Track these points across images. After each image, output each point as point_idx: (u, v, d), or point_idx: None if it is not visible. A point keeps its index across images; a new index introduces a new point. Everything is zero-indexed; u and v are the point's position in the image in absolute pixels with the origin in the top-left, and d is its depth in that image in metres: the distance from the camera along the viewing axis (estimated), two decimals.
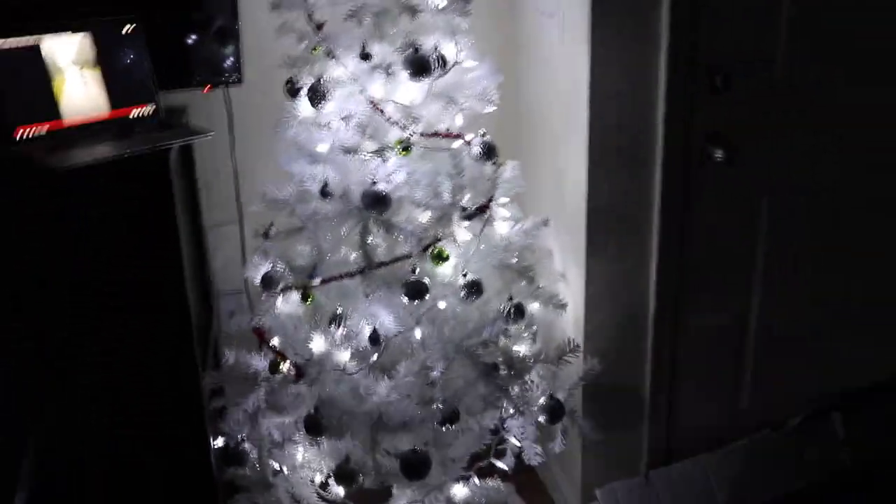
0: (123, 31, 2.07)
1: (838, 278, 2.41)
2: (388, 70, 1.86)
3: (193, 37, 2.23)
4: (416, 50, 1.86)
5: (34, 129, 1.96)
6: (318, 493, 2.08)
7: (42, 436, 1.76)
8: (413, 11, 1.87)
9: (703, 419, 2.44)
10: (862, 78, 2.25)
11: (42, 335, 1.93)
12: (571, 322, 2.33)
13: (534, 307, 2.16)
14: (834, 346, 2.46)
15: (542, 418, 2.08)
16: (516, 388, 2.05)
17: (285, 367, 2.04)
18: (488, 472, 2.11)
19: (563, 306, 2.16)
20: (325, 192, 1.93)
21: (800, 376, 2.46)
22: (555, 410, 2.07)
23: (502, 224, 2.06)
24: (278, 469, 2.10)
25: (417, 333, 1.99)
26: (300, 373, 2.01)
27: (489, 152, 2.00)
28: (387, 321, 1.93)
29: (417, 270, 1.94)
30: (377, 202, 1.89)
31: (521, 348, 2.12)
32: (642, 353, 2.34)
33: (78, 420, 1.99)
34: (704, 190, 2.22)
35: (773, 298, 2.38)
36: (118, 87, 2.06)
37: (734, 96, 2.15)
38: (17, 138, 1.93)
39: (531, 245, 2.14)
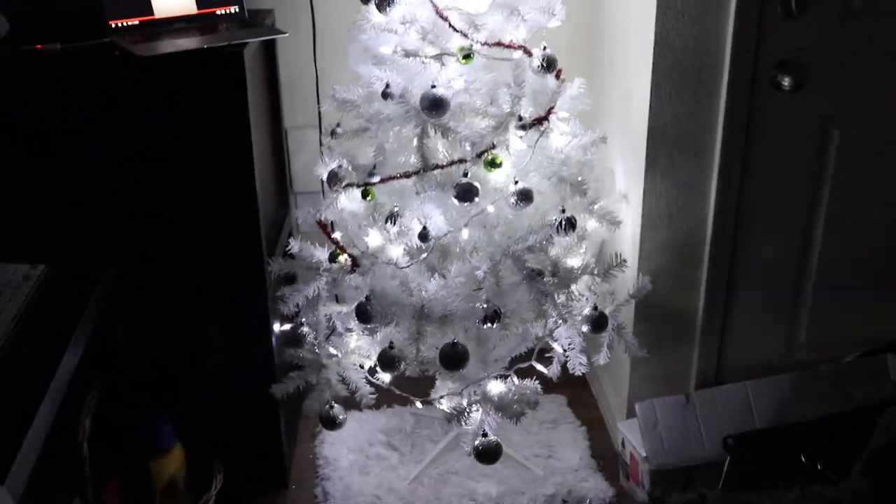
0: None
1: None
2: None
3: None
4: None
5: (126, 20, 2.12)
6: (365, 378, 2.21)
7: (107, 295, 1.94)
8: None
9: (755, 349, 2.46)
10: None
11: (116, 210, 2.11)
12: (629, 241, 2.38)
13: (590, 225, 2.22)
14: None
15: (585, 328, 2.15)
16: (562, 297, 2.11)
17: (343, 258, 2.16)
18: (528, 375, 2.18)
19: (617, 223, 2.21)
20: (386, 94, 2.02)
21: (859, 316, 2.44)
22: (597, 321, 2.14)
23: (559, 137, 2.11)
24: (332, 353, 2.24)
25: (465, 234, 2.07)
26: (356, 264, 2.13)
27: (550, 65, 2.05)
28: (437, 220, 2.02)
29: (469, 174, 2.02)
30: (435, 105, 1.97)
31: (572, 261, 2.19)
32: (697, 277, 2.37)
33: (148, 295, 2.18)
34: (770, 117, 2.21)
35: (838, 234, 2.35)
36: None
37: (808, 22, 2.12)
38: (111, 27, 2.10)
39: (589, 161, 2.18)
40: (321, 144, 2.58)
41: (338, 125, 2.21)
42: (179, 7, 2.18)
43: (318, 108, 2.55)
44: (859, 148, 2.27)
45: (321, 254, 2.22)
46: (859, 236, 2.36)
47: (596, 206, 2.20)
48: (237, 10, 2.24)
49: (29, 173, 2.07)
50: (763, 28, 2.12)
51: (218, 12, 2.22)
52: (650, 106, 2.18)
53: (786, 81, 2.15)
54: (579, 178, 2.14)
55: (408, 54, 2.00)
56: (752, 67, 2.15)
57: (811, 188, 2.31)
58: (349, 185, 2.13)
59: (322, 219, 2.20)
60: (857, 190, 2.31)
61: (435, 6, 1.99)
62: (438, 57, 2.01)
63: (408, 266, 2.07)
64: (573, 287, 2.14)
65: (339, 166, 2.13)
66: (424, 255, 2.07)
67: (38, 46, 2.03)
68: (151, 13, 2.15)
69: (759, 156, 2.25)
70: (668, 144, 2.22)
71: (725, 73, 2.15)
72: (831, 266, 2.39)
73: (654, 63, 2.14)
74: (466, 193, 2.00)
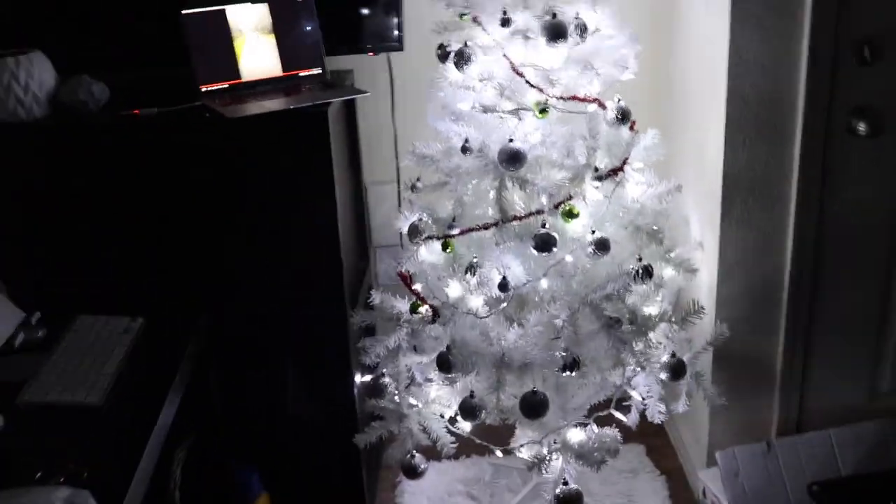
0: (297, 1, 2.30)
1: None
2: (526, 35, 1.98)
3: (362, 5, 2.44)
4: (554, 16, 1.98)
5: (216, 85, 2.23)
6: (446, 427, 2.24)
7: (200, 347, 2.01)
8: None
9: (837, 397, 2.43)
10: None
11: (206, 263, 2.20)
12: (705, 289, 2.39)
13: (666, 272, 2.24)
14: None
15: (663, 376, 2.16)
16: (639, 345, 2.13)
17: (424, 309, 2.21)
18: (607, 423, 2.19)
19: (693, 271, 2.23)
20: (465, 148, 2.08)
21: None
22: (676, 368, 2.14)
23: (634, 187, 2.15)
24: (413, 403, 2.28)
25: (544, 284, 2.11)
26: (437, 315, 2.18)
27: (624, 117, 2.09)
28: (517, 270, 2.07)
29: (547, 225, 2.06)
30: (513, 159, 2.02)
31: (649, 309, 2.21)
32: (775, 324, 2.36)
33: (236, 346, 2.26)
34: (847, 163, 2.22)
35: None
36: (290, 50, 2.30)
37: (883, 68, 2.13)
38: (202, 91, 2.21)
39: (665, 210, 2.20)
40: (399, 199, 2.67)
41: (418, 179, 2.27)
42: (266, 70, 2.29)
43: (397, 163, 2.64)
44: None
45: (402, 305, 2.27)
46: None
47: (672, 255, 2.22)
48: (320, 71, 2.34)
49: (128, 230, 2.18)
50: (837, 75, 2.14)
51: (301, 74, 2.32)
52: (724, 155, 2.21)
53: (861, 127, 2.16)
54: (655, 227, 2.17)
55: (485, 110, 2.07)
56: (827, 114, 2.17)
57: (890, 234, 2.30)
58: (429, 237, 2.18)
59: (403, 270, 2.25)
60: None
61: (511, 63, 2.06)
62: (515, 112, 2.07)
63: (487, 316, 2.11)
64: (651, 335, 2.16)
65: (420, 219, 2.19)
66: (504, 304, 2.11)
67: (136, 112, 2.14)
68: (239, 77, 2.26)
69: (837, 201, 2.25)
70: (742, 192, 2.24)
71: (799, 120, 2.18)
72: None
73: (727, 115, 2.18)
74: (545, 244, 2.04)
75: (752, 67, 2.14)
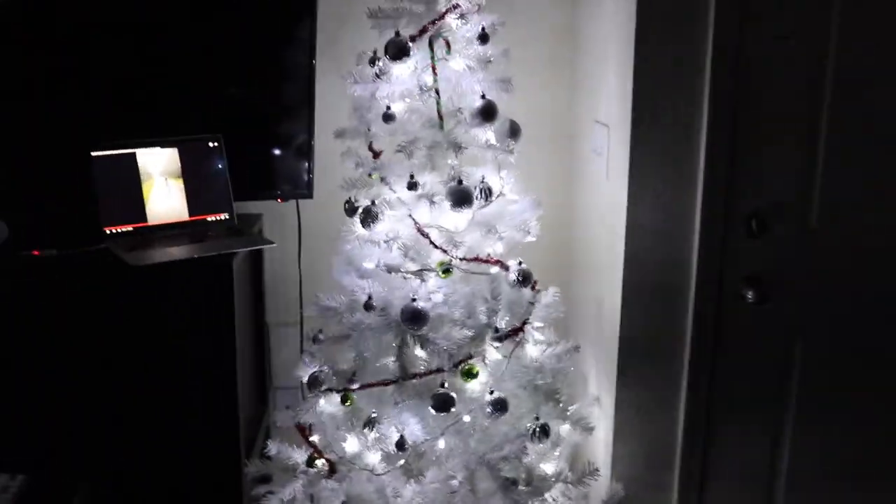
0: (209, 146, 2.32)
1: (875, 423, 2.42)
2: (431, 200, 2.03)
3: (273, 152, 2.48)
4: (460, 182, 2.03)
5: (121, 227, 2.21)
6: None
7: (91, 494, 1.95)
8: (459, 147, 2.04)
9: None
10: None
11: (103, 404, 2.14)
12: (602, 446, 2.42)
13: (563, 429, 2.27)
14: (869, 494, 2.46)
15: None
16: None
17: (321, 462, 2.18)
18: None
19: (590, 429, 2.26)
20: (368, 305, 2.10)
21: None
22: None
23: (534, 347, 2.19)
24: None
25: (442, 443, 2.11)
26: (333, 469, 2.15)
27: (525, 280, 2.14)
28: (415, 429, 2.07)
29: (446, 384, 2.08)
30: (415, 318, 2.04)
31: (546, 467, 2.22)
32: (669, 483, 2.40)
33: (124, 485, 2.18)
34: (737, 328, 2.31)
35: (806, 439, 2.41)
36: (198, 195, 2.31)
37: (770, 240, 2.25)
38: (106, 233, 2.19)
39: (563, 369, 2.25)
40: (302, 341, 2.65)
41: (320, 331, 2.27)
42: (172, 214, 2.28)
43: (301, 305, 2.63)
44: (822, 359, 2.35)
45: (299, 456, 2.24)
46: (828, 442, 2.41)
47: (569, 412, 2.25)
48: (227, 216, 2.34)
49: (13, 381, 2.11)
50: (728, 245, 2.24)
51: (209, 219, 2.32)
52: (622, 316, 2.27)
53: (750, 294, 2.25)
54: (553, 387, 2.20)
55: (390, 270, 2.09)
56: (719, 280, 2.26)
57: (779, 395, 2.38)
58: (329, 389, 2.17)
59: (301, 422, 2.23)
60: (823, 398, 2.38)
61: (417, 224, 2.10)
62: (419, 273, 2.10)
63: (384, 473, 2.10)
64: (547, 495, 2.17)
65: (321, 370, 2.19)
66: (401, 462, 2.10)
67: (36, 252, 2.11)
68: (145, 220, 2.25)
69: (728, 363, 2.33)
70: (639, 353, 2.30)
71: (693, 285, 2.26)
72: (801, 471, 2.43)
73: (624, 275, 2.25)
74: (444, 404, 2.05)
75: (648, 234, 2.23)
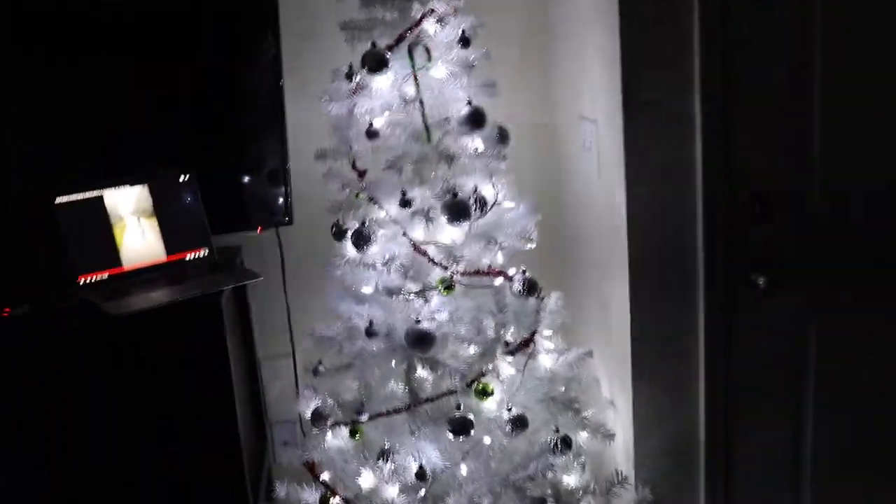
0: (179, 180, 2.19)
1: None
2: (427, 215, 1.92)
3: (246, 180, 2.35)
4: (455, 195, 1.93)
5: (96, 275, 2.07)
6: None
7: None
8: (451, 158, 1.94)
9: None
10: None
11: (98, 463, 2.01)
12: (622, 450, 2.33)
13: (582, 437, 2.17)
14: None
15: None
16: None
17: (336, 501, 2.07)
18: None
19: (611, 436, 2.17)
20: (370, 332, 1.98)
21: (860, 497, 2.40)
22: None
23: (546, 357, 2.09)
24: None
25: (463, 469, 2.01)
26: None
27: (531, 288, 2.04)
28: (433, 456, 1.96)
29: (462, 406, 1.97)
30: (421, 341, 1.94)
31: (570, 480, 2.13)
32: (695, 479, 2.32)
33: None
34: (749, 316, 2.23)
35: (828, 424, 2.34)
36: (174, 232, 2.18)
37: (776, 225, 2.17)
38: (80, 284, 2.05)
39: (577, 375, 2.16)
40: (296, 373, 2.53)
41: (320, 363, 2.15)
42: (149, 256, 2.15)
43: (291, 337, 2.52)
44: (836, 343, 2.28)
45: (309, 496, 2.12)
46: (849, 425, 2.35)
47: (588, 420, 2.16)
48: (206, 252, 2.21)
49: None
50: (735, 231, 2.16)
51: (188, 257, 2.19)
52: (631, 314, 2.18)
53: (761, 280, 2.18)
54: (571, 395, 2.11)
55: (391, 292, 1.98)
56: (727, 268, 2.18)
57: (797, 380, 2.31)
58: (336, 423, 2.06)
59: (307, 458, 2.11)
60: (840, 381, 2.32)
61: (412, 242, 1.99)
62: (421, 293, 1.99)
63: None
64: None
65: (324, 404, 2.07)
66: (422, 492, 1.99)
67: (6, 311, 1.96)
68: (120, 265, 2.11)
69: (743, 352, 2.25)
70: (652, 349, 2.21)
71: (701, 275, 2.17)
72: (825, 453, 2.36)
73: (630, 272, 2.16)
74: (463, 427, 1.95)
75: (650, 229, 2.14)
